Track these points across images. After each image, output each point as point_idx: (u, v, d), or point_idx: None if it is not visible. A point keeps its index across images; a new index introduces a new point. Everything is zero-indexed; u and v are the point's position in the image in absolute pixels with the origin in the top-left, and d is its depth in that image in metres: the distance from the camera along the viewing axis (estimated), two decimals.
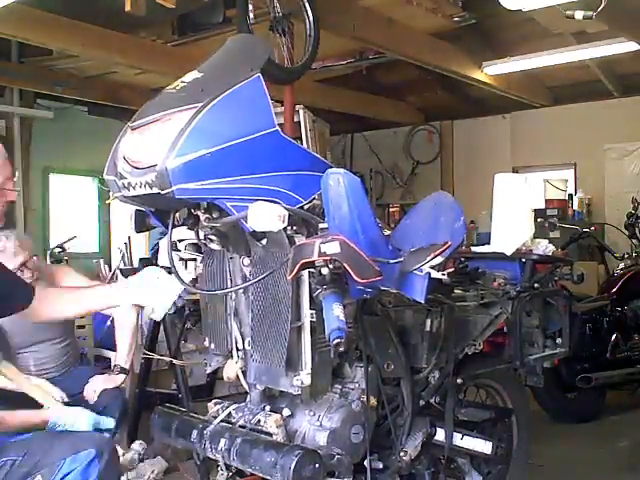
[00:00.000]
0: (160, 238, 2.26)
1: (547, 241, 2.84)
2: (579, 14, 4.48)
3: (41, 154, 7.89)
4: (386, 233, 2.15)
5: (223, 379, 2.23)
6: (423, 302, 2.07)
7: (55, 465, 1.99)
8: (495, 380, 2.84)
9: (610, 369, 4.67)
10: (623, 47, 6.29)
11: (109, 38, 5.92)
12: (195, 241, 2.08)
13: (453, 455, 2.55)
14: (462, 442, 2.48)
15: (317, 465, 1.90)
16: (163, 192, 1.78)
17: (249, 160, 1.85)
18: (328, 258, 1.72)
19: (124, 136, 1.94)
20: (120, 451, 2.55)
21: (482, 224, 6.96)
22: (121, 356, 3.15)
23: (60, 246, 6.17)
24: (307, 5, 5.05)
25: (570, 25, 5.82)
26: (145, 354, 3.86)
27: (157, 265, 2.12)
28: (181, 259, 2.08)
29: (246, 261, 2.08)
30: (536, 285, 2.74)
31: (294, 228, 1.95)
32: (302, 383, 1.98)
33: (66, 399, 2.86)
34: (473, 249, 2.92)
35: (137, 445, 2.74)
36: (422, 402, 2.37)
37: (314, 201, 2.00)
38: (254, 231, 1.85)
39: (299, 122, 6.00)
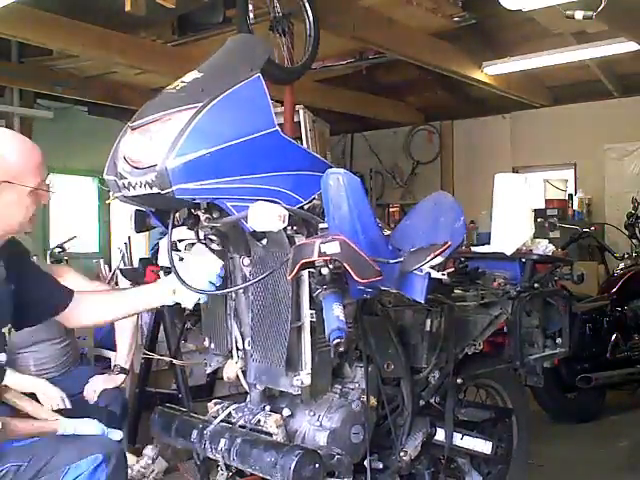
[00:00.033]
0: (160, 238, 2.26)
1: (547, 241, 2.84)
2: (579, 14, 4.48)
3: None
4: (386, 233, 2.14)
5: (223, 379, 2.23)
6: (423, 302, 2.07)
7: (60, 471, 1.94)
8: (495, 380, 2.84)
9: (610, 369, 4.66)
10: (623, 47, 6.29)
11: (109, 38, 5.92)
12: (195, 241, 2.08)
13: (453, 455, 2.55)
14: (462, 442, 2.48)
15: (317, 465, 1.90)
16: (163, 192, 1.79)
17: (249, 160, 1.85)
18: (328, 258, 1.72)
19: (124, 136, 1.94)
20: (133, 458, 2.52)
21: (482, 224, 6.95)
22: (121, 356, 3.15)
23: (60, 246, 6.17)
24: (307, 5, 5.04)
25: (570, 25, 5.82)
26: (145, 354, 3.87)
27: (157, 265, 2.12)
28: (181, 259, 2.08)
29: (246, 261, 2.08)
30: (536, 285, 2.74)
31: (294, 228, 1.95)
32: (302, 383, 1.98)
33: (66, 399, 2.87)
34: (473, 249, 2.92)
35: (149, 450, 2.63)
36: (422, 402, 2.37)
37: (314, 201, 2.00)
38: (254, 231, 1.85)
39: (299, 122, 5.99)
